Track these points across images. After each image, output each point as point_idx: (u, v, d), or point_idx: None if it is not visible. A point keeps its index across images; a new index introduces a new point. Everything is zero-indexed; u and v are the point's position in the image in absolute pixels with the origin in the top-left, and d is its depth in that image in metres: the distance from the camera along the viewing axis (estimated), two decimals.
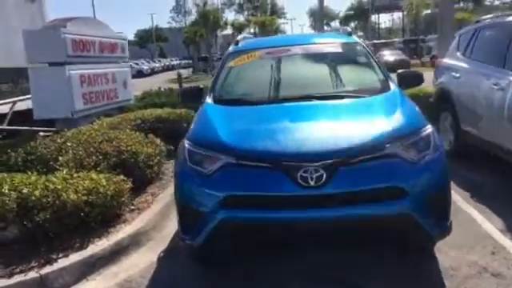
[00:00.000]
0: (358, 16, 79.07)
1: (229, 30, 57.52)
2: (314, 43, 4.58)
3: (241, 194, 2.88)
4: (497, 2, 70.88)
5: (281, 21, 65.99)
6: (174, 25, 75.40)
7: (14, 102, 6.89)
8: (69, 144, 5.28)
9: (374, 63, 4.17)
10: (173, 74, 39.63)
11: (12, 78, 7.84)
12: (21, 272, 3.42)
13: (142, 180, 5.16)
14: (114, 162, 4.96)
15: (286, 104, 3.61)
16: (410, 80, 4.03)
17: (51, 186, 4.03)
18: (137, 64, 43.46)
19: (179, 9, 74.04)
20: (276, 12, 68.93)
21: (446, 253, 3.49)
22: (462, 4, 66.76)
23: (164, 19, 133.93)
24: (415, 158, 2.91)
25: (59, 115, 6.38)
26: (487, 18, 5.79)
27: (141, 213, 4.60)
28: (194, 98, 4.30)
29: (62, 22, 6.59)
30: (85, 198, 4.00)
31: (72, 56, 6.45)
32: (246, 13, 65.53)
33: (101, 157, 4.98)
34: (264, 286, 3.24)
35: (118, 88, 7.75)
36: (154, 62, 54.62)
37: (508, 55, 4.64)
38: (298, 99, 3.68)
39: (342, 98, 3.67)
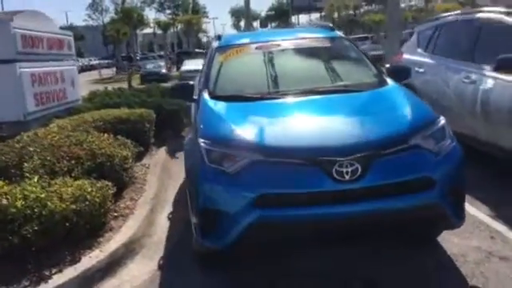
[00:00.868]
0: (279, 16, 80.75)
1: (149, 29, 56.25)
2: (302, 38, 4.56)
3: (275, 192, 2.77)
4: (403, 5, 76.01)
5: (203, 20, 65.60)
6: (90, 23, 72.06)
7: None
8: (31, 149, 4.79)
9: (365, 58, 4.24)
10: (95, 75, 37.99)
11: None
12: None
13: (118, 184, 4.83)
14: (88, 166, 4.59)
15: (297, 99, 3.56)
16: (398, 74, 4.12)
17: (32, 195, 3.64)
18: None
19: (96, 6, 70.91)
20: (198, 11, 68.33)
21: (448, 240, 3.62)
22: (373, 6, 70.62)
23: (79, 17, 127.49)
24: (437, 148, 2.98)
25: (10, 118, 5.79)
26: (447, 15, 6.12)
27: (126, 219, 4.31)
28: (185, 94, 4.10)
29: (8, 15, 5.99)
30: (73, 206, 3.66)
31: (22, 53, 5.88)
32: (167, 11, 64.29)
33: (73, 161, 4.58)
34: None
35: (66, 88, 7.21)
36: None
37: (476, 50, 4.92)
38: (302, 94, 3.64)
39: (344, 92, 3.67)
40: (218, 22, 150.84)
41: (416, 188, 2.81)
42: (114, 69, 42.40)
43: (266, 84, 3.92)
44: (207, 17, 72.39)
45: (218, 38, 4.62)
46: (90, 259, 3.53)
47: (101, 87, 14.95)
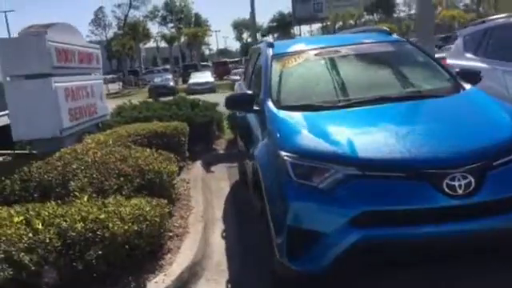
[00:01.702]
0: (281, 27, 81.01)
1: (151, 43, 56.28)
2: (361, 43, 4.34)
3: (380, 210, 2.51)
4: (402, 14, 76.47)
5: None
6: (93, 38, 72.31)
7: None
8: (74, 166, 4.57)
9: (433, 61, 4.01)
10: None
11: None
12: None
13: (168, 202, 4.57)
14: (137, 183, 4.35)
15: (374, 107, 3.31)
16: (469, 78, 3.88)
17: (90, 216, 3.39)
18: None
19: (98, 22, 71.18)
20: (200, 24, 68.52)
21: None
22: (374, 16, 70.84)
23: (82, 32, 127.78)
24: None
25: (45, 135, 5.52)
26: (496, 17, 5.91)
27: (182, 239, 4.05)
28: (242, 104, 3.86)
29: (42, 28, 5.77)
30: (135, 227, 3.41)
31: (57, 67, 5.64)
32: (170, 25, 64.45)
33: (122, 178, 4.34)
34: None
35: (96, 102, 6.96)
36: None
37: None
38: (376, 101, 3.40)
39: (421, 97, 3.43)
40: (220, 34, 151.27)
41: None
42: (121, 83, 42.31)
43: (333, 92, 3.69)
44: (210, 30, 72.51)
45: (271, 45, 4.40)
46: (157, 285, 3.27)
47: (112, 103, 14.71)
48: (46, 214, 3.42)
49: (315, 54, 4.07)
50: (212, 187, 5.87)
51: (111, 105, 8.41)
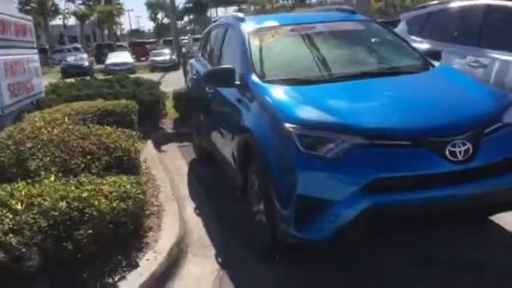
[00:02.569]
0: (196, 9, 79.67)
1: (58, 21, 52.69)
2: (333, 21, 4.44)
3: (389, 176, 2.64)
4: (314, 0, 79.08)
5: None
6: None
7: None
8: (29, 145, 4.23)
9: (400, 40, 4.23)
10: None
11: None
12: None
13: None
14: (106, 161, 4.14)
15: (362, 81, 3.44)
16: (432, 56, 4.13)
17: (71, 195, 3.19)
18: None
19: None
20: (111, 2, 65.30)
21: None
22: (288, 1, 72.25)
23: None
24: None
25: None
26: (438, 2, 6.33)
27: (159, 217, 3.94)
28: (224, 79, 3.79)
29: None
30: (123, 205, 3.26)
31: None
32: (77, 1, 60.63)
33: (88, 157, 4.10)
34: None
35: (32, 78, 6.47)
36: None
37: (482, 35, 5.13)
38: (360, 76, 3.53)
39: (401, 73, 3.63)
40: (132, 14, 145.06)
41: None
42: None
43: (315, 67, 3.77)
44: (123, 8, 69.38)
45: (242, 20, 4.36)
46: (149, 262, 3.17)
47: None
48: (22, 194, 3.15)
49: (291, 30, 4.11)
50: (169, 166, 5.74)
51: None
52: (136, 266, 3.15)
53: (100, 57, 36.84)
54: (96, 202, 3.15)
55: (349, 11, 4.82)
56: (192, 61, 6.22)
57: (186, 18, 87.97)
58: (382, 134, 2.73)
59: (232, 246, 3.65)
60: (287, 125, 2.88)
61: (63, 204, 3.07)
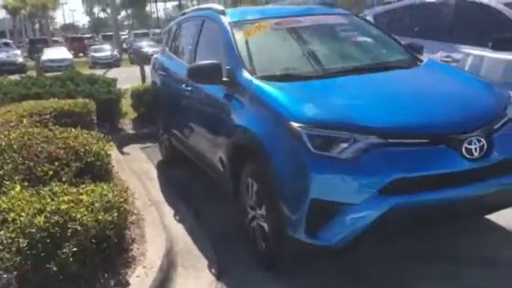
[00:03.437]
0: (134, 3, 77.59)
1: None
2: (317, 14, 4.28)
3: (410, 176, 2.50)
4: None
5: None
6: None
7: None
8: None
9: (385, 34, 4.14)
10: None
11: None
12: None
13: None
14: (76, 167, 3.74)
15: (359, 76, 3.30)
16: (415, 50, 4.05)
17: (48, 208, 2.82)
18: None
19: None
20: None
21: None
22: None
23: None
24: None
25: None
26: None
27: (140, 226, 3.63)
28: (210, 76, 3.51)
29: None
30: (109, 217, 2.93)
31: None
32: None
33: (56, 163, 3.69)
34: None
35: None
36: None
37: (454, 31, 5.20)
38: (355, 71, 3.40)
39: (395, 68, 3.54)
40: (66, 7, 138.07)
41: None
42: None
43: (308, 62, 3.59)
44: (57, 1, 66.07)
45: (222, 12, 4.08)
46: (141, 279, 2.87)
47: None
48: None
49: (276, 24, 3.90)
50: (136, 169, 5.36)
51: None
52: (126, 284, 2.84)
53: (33, 53, 34.73)
54: (78, 215, 2.81)
55: (327, 4, 4.69)
56: (157, 56, 5.85)
57: (123, 13, 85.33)
58: (398, 133, 2.60)
59: (224, 255, 3.41)
60: (295, 124, 2.67)
61: (41, 219, 2.70)
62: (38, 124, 4.97)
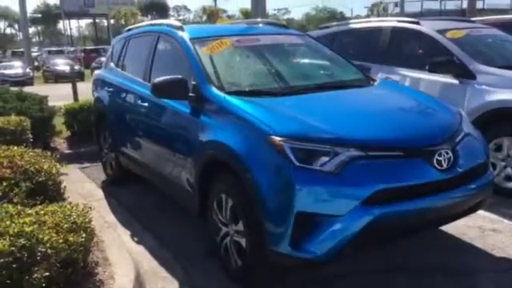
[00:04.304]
0: (46, 20, 74.13)
1: None
2: (274, 34, 4.38)
3: (391, 187, 2.60)
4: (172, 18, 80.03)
5: None
6: None
7: None
8: None
9: (337, 54, 4.33)
10: None
11: None
12: None
13: None
14: (27, 187, 3.46)
15: (326, 93, 3.42)
16: (364, 70, 4.30)
17: (10, 231, 2.58)
18: None
19: None
20: None
21: None
22: (148, 17, 71.48)
23: None
24: (475, 133, 3.29)
25: None
26: (338, 24, 6.79)
27: (100, 249, 3.42)
28: (176, 91, 3.44)
29: None
30: (79, 238, 2.74)
31: None
32: None
33: (5, 183, 3.40)
34: None
35: None
36: None
37: (389, 54, 5.59)
38: (318, 89, 3.52)
39: (355, 86, 3.71)
40: None
41: (482, 170, 3.07)
42: None
43: (272, 79, 3.68)
44: None
45: (181, 28, 4.04)
46: None
47: None
48: None
49: (237, 41, 3.94)
50: (80, 191, 5.06)
51: None
52: None
53: None
54: (46, 237, 2.59)
55: (281, 25, 4.83)
56: (101, 72, 5.61)
57: (32, 29, 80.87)
58: (377, 146, 2.72)
59: (194, 275, 3.31)
60: (277, 138, 2.70)
61: (5, 242, 2.46)
62: None
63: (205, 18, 68.04)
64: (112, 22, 51.33)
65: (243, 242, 2.95)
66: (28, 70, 27.03)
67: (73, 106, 6.96)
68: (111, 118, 4.95)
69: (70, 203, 3.21)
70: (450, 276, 3.16)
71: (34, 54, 42.06)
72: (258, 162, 2.78)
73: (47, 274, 2.45)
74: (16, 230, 2.58)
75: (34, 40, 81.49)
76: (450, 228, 3.79)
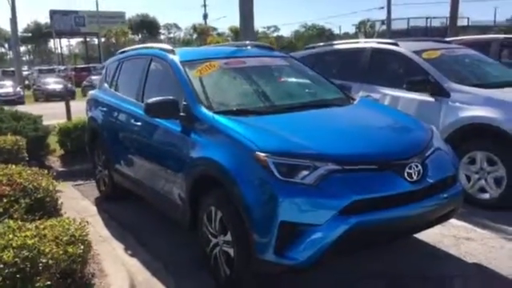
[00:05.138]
0: (36, 39, 74.46)
1: None
2: (259, 56, 4.64)
3: (367, 198, 2.85)
4: (163, 37, 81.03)
5: None
6: None
7: None
8: None
9: (319, 75, 4.61)
10: None
11: None
12: None
13: None
14: (26, 204, 3.66)
15: (308, 112, 3.70)
16: (344, 90, 4.58)
17: (14, 243, 2.78)
18: None
19: None
20: None
21: None
22: (139, 35, 72.04)
23: None
24: (446, 148, 3.56)
25: None
26: (326, 44, 7.08)
27: (96, 261, 3.61)
28: (168, 111, 3.69)
29: None
30: (78, 250, 2.94)
31: None
32: None
33: (4, 200, 3.59)
34: None
35: None
36: None
37: (371, 73, 5.89)
38: (302, 108, 3.79)
39: (335, 105, 3.97)
40: None
41: (451, 181, 3.34)
42: None
43: (258, 99, 3.96)
44: None
45: (172, 51, 4.30)
46: None
47: None
48: None
49: (225, 63, 4.20)
50: (75, 207, 5.24)
51: None
52: None
53: None
54: (47, 249, 2.79)
55: (268, 47, 5.11)
56: (94, 92, 5.84)
57: (22, 48, 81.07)
58: (352, 160, 2.97)
59: (186, 285, 3.51)
60: (261, 154, 2.94)
61: (10, 254, 2.66)
62: None
63: (195, 35, 68.92)
64: (103, 40, 51.80)
65: (231, 251, 3.17)
66: (19, 88, 27.17)
67: (67, 124, 7.15)
68: (105, 137, 5.16)
69: (68, 218, 3.39)
70: (426, 280, 3.40)
71: (25, 73, 42.22)
72: (245, 177, 3.01)
73: (49, 283, 2.64)
74: (19, 243, 2.78)
75: (24, 59, 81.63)
76: (427, 236, 4.04)
